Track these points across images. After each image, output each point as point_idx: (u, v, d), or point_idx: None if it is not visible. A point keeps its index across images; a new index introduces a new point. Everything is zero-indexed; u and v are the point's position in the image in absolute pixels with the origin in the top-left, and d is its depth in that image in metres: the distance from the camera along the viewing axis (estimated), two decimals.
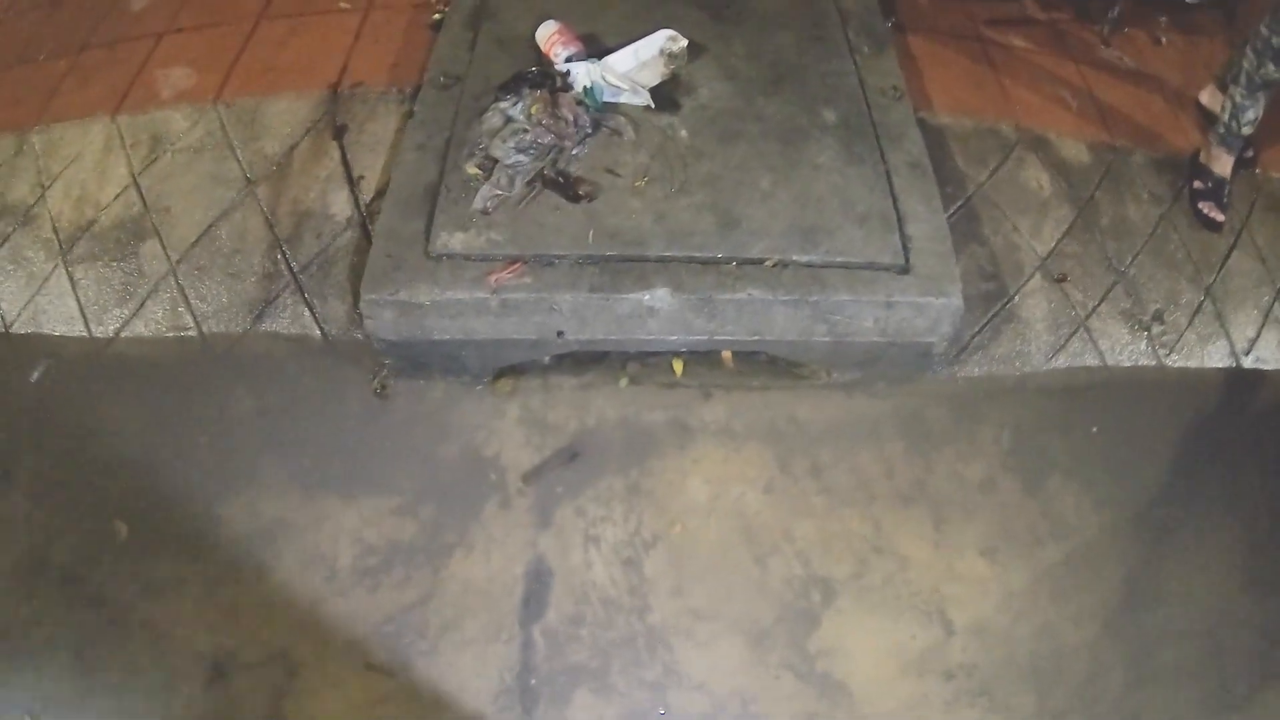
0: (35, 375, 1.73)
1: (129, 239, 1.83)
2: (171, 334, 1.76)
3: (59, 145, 1.96)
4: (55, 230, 1.87)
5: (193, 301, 1.78)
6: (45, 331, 1.78)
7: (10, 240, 1.87)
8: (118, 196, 1.88)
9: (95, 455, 1.62)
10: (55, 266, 1.83)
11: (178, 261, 1.81)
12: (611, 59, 1.75)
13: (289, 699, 1.39)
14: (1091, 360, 1.82)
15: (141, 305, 1.78)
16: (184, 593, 1.47)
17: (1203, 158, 2.00)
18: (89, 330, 1.77)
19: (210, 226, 1.83)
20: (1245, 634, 1.52)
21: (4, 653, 1.43)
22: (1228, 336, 1.88)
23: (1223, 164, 1.97)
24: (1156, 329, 1.86)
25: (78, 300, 1.80)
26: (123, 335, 1.77)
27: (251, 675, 1.41)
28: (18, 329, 1.79)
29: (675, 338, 1.61)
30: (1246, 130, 1.91)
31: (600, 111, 1.72)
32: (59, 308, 1.80)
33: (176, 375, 1.72)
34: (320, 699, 1.39)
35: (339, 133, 1.91)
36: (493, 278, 1.52)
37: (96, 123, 1.97)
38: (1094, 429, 1.73)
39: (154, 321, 1.77)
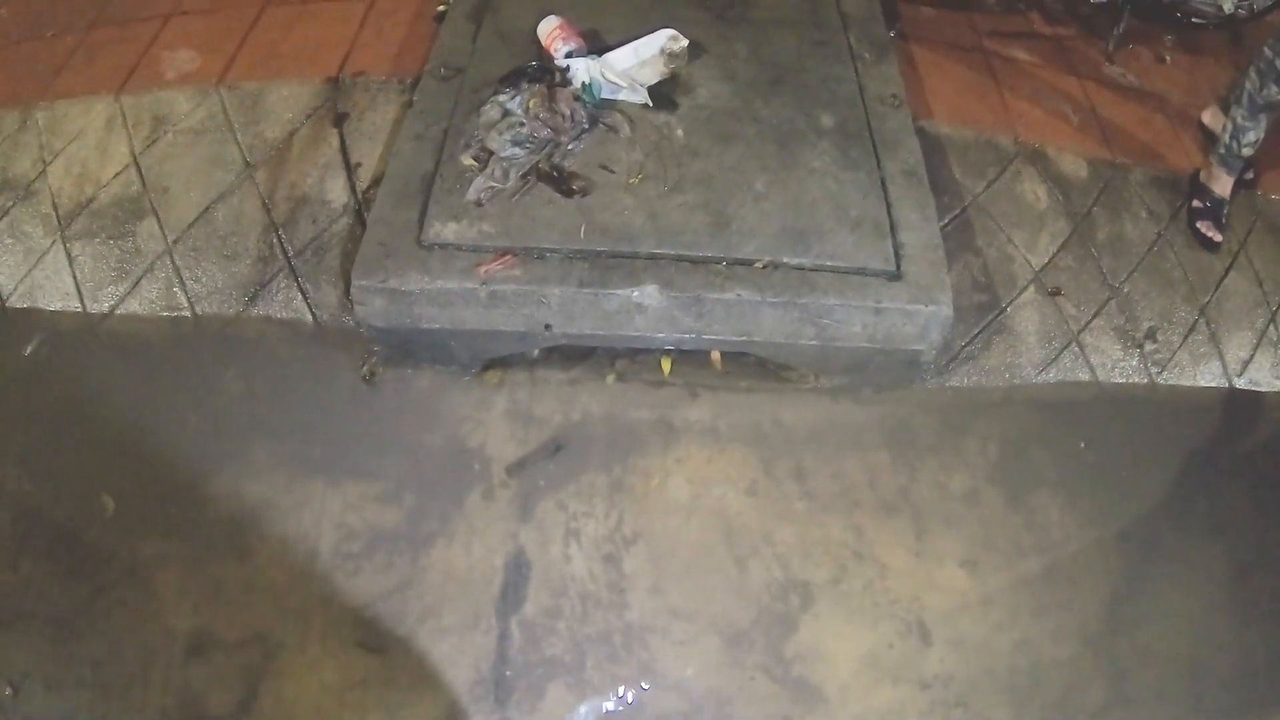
0: (29, 349, 1.74)
1: (127, 217, 1.85)
2: (165, 313, 1.77)
3: (62, 122, 1.98)
4: (55, 206, 1.88)
5: (187, 282, 1.79)
6: (41, 306, 1.79)
7: (9, 214, 1.88)
8: (118, 175, 1.89)
9: (85, 430, 1.63)
10: (53, 242, 1.84)
11: (174, 241, 1.82)
12: (611, 56, 1.75)
13: (265, 680, 1.39)
14: (1082, 375, 1.81)
15: (137, 284, 1.79)
16: (167, 570, 1.48)
17: (1203, 177, 2.00)
18: (84, 306, 1.78)
19: (208, 208, 1.84)
20: (1225, 659, 1.51)
21: None
22: (1221, 357, 1.87)
23: (1222, 184, 1.97)
24: (1149, 346, 1.85)
25: (74, 276, 1.81)
26: (117, 312, 1.78)
27: (229, 655, 1.41)
28: (14, 303, 1.80)
29: (663, 335, 1.61)
30: (1247, 151, 1.90)
31: (597, 108, 1.73)
32: (55, 283, 1.81)
33: (168, 354, 1.72)
34: (296, 681, 1.39)
35: (339, 120, 1.92)
36: (483, 268, 1.53)
37: (100, 101, 1.98)
38: (1082, 444, 1.72)
39: (148, 300, 1.78)
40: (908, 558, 1.55)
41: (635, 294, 1.53)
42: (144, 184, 1.88)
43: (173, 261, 1.80)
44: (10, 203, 1.89)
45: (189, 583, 1.47)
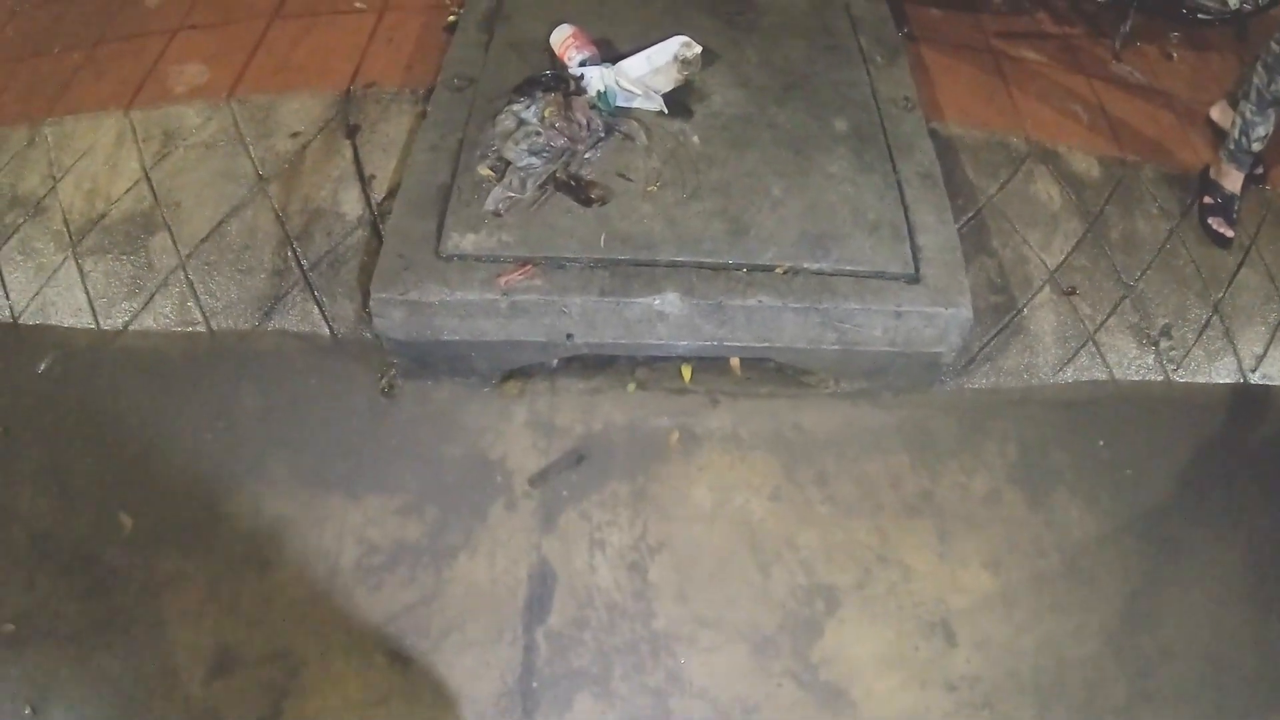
0: (42, 366, 1.73)
1: (139, 233, 1.84)
2: (180, 328, 1.76)
3: (71, 138, 1.97)
4: (66, 222, 1.87)
5: (202, 297, 1.78)
6: (53, 323, 1.78)
7: (20, 231, 1.87)
8: (129, 190, 1.89)
9: (100, 447, 1.62)
10: (65, 258, 1.83)
11: (188, 256, 1.81)
12: (625, 64, 1.75)
13: (289, 697, 1.38)
14: (1099, 374, 1.82)
15: (150, 299, 1.79)
16: (186, 587, 1.47)
17: (1213, 173, 2.00)
18: (97, 323, 1.78)
19: (221, 222, 1.83)
20: (1246, 656, 1.51)
21: (5, 643, 1.42)
22: (1235, 353, 1.88)
23: (1233, 180, 1.97)
24: (1164, 344, 1.86)
25: (87, 292, 1.80)
26: (131, 328, 1.77)
27: (252, 672, 1.40)
28: (26, 320, 1.79)
29: (684, 343, 1.61)
30: (1257, 147, 1.91)
31: (613, 116, 1.72)
32: (68, 299, 1.80)
33: (184, 370, 1.72)
34: (320, 697, 1.38)
35: (351, 132, 1.91)
36: (503, 279, 1.52)
37: (109, 116, 1.97)
38: (1100, 443, 1.72)
39: (162, 315, 1.78)
40: (931, 560, 1.55)
41: (656, 302, 1.52)
42: (156, 199, 1.87)
43: (186, 276, 1.80)
44: (21, 220, 1.88)
45: (209, 600, 1.46)
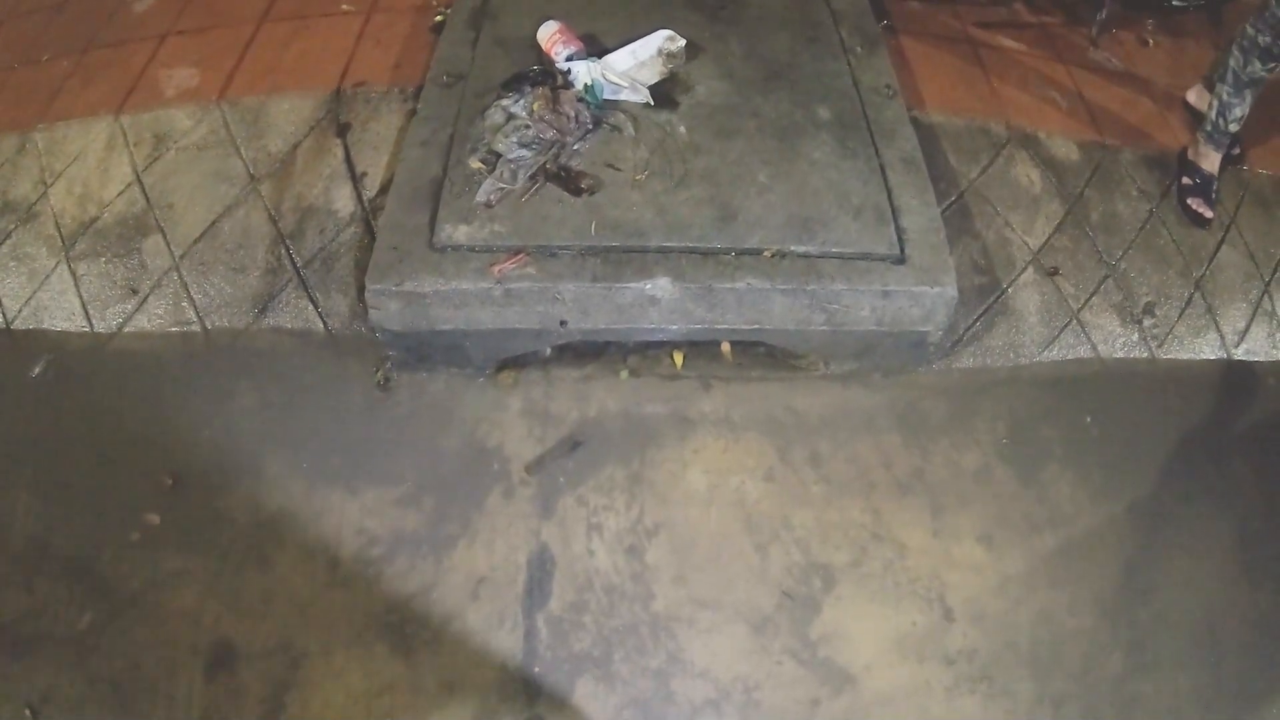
0: (36, 371, 1.73)
1: (132, 235, 1.85)
2: (174, 329, 1.77)
3: (62, 144, 1.98)
4: (58, 227, 1.88)
5: (196, 296, 1.79)
6: (47, 327, 1.78)
7: (12, 237, 1.88)
8: (121, 194, 1.90)
9: (97, 450, 1.62)
10: (57, 263, 1.84)
11: (181, 257, 1.82)
12: (611, 58, 1.78)
13: (291, 690, 1.39)
14: (1084, 352, 1.85)
15: (144, 301, 1.79)
16: (186, 585, 1.47)
17: (1191, 155, 2.04)
18: (91, 326, 1.78)
19: (214, 222, 1.84)
20: (1239, 624, 1.53)
21: (4, 645, 1.42)
22: (1218, 329, 1.91)
23: (1210, 161, 2.01)
24: (1148, 322, 1.89)
25: (80, 296, 1.80)
26: (125, 330, 1.78)
27: (254, 666, 1.40)
28: (19, 325, 1.80)
29: (676, 327, 1.63)
30: (1233, 127, 1.95)
31: (601, 108, 1.75)
32: (61, 304, 1.80)
33: (179, 370, 1.72)
34: (323, 690, 1.39)
35: (342, 131, 1.93)
36: (496, 268, 1.54)
37: (99, 121, 1.98)
38: (1088, 419, 1.75)
39: (157, 317, 1.78)
40: (925, 537, 1.57)
41: (648, 286, 1.54)
42: (148, 201, 1.88)
43: (180, 277, 1.80)
44: (12, 225, 1.89)
45: (209, 597, 1.46)
